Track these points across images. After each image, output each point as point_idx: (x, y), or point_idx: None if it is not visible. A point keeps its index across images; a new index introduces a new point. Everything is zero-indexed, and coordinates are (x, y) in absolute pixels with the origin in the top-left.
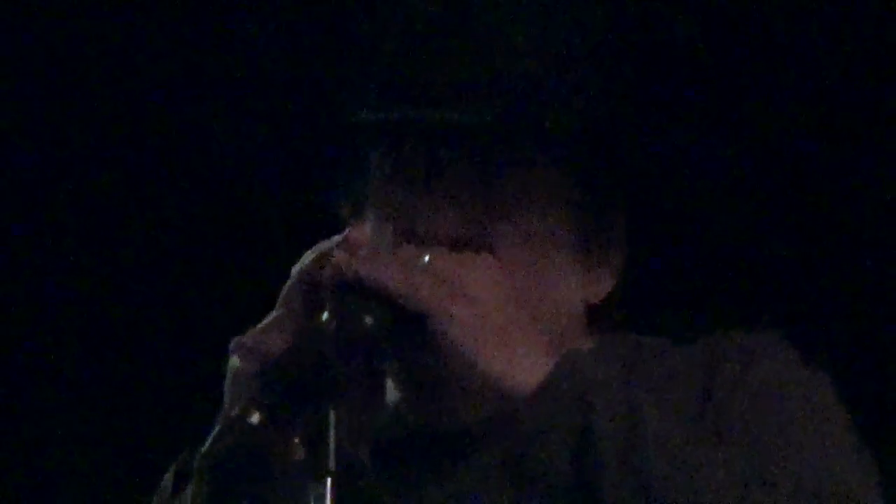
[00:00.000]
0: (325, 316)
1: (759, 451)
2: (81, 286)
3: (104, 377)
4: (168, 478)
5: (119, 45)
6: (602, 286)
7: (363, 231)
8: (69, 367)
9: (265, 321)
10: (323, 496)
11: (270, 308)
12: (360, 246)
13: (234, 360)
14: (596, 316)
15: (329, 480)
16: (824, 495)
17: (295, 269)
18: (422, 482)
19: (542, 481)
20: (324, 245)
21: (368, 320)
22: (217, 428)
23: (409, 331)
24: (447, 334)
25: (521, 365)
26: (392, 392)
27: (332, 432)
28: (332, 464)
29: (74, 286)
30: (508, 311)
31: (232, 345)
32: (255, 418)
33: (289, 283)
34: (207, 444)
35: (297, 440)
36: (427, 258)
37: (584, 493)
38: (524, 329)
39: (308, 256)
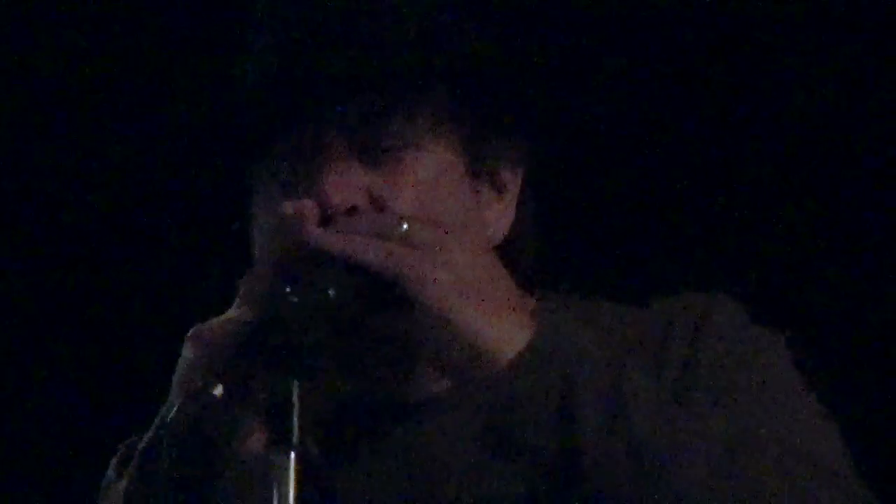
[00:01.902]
0: (287, 289)
1: (731, 412)
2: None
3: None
4: (113, 466)
5: None
6: (501, 223)
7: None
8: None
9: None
10: (286, 471)
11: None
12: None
13: (185, 349)
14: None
15: (293, 455)
16: (802, 454)
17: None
18: (393, 453)
19: (525, 448)
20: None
21: (332, 292)
22: (178, 402)
23: (386, 299)
24: (428, 300)
25: (503, 330)
26: (359, 364)
27: (296, 406)
28: (295, 438)
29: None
30: (487, 276)
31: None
32: (217, 391)
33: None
34: (171, 415)
35: (260, 414)
36: (406, 226)
37: (569, 459)
38: (502, 292)
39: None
